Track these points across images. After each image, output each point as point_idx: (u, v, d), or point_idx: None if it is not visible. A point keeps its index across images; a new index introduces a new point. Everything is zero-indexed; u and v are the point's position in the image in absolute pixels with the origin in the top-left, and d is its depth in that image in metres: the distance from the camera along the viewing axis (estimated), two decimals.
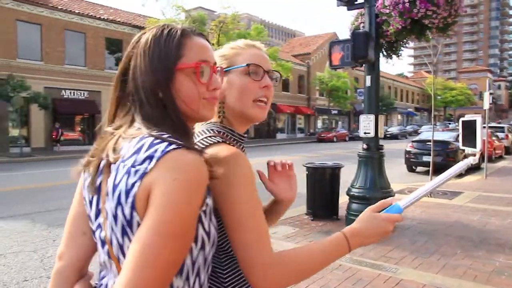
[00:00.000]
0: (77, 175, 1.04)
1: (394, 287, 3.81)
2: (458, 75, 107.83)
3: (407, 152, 14.11)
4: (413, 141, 14.44)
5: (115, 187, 0.85)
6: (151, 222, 0.79)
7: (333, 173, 6.60)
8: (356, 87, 43.16)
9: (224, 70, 1.16)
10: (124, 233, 0.85)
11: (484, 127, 14.97)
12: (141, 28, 25.69)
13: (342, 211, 6.49)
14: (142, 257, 0.77)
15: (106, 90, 21.11)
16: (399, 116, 66.06)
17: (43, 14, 23.31)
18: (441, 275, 4.11)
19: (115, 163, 0.88)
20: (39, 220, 6.79)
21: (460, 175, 12.50)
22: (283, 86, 41.97)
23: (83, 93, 24.86)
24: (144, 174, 0.81)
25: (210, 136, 1.12)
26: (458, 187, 10.03)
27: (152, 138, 0.86)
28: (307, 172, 6.71)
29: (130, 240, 0.83)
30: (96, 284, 1.02)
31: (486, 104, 12.15)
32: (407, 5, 5.30)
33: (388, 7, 5.51)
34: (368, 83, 5.95)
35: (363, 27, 6.05)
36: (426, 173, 12.75)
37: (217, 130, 1.15)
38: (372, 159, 5.96)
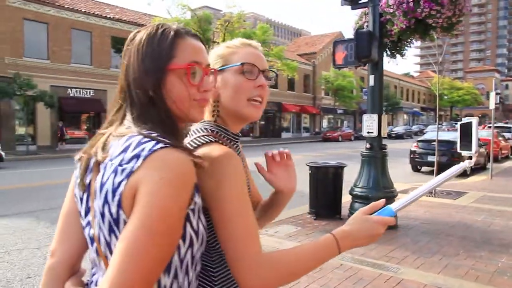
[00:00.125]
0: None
1: (395, 286, 3.80)
2: (465, 74, 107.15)
3: (412, 152, 14.05)
4: (418, 141, 14.37)
5: (102, 185, 0.86)
6: (137, 220, 0.80)
7: (336, 172, 6.59)
8: (362, 87, 42.99)
9: (219, 69, 1.17)
10: (111, 231, 0.86)
11: (490, 127, 14.90)
12: None
13: (345, 211, 6.49)
14: (128, 255, 0.78)
15: (112, 88, 21.20)
16: (405, 116, 65.78)
17: (49, 13, 23.44)
18: (443, 275, 4.10)
19: (103, 161, 0.89)
20: (43, 218, 6.85)
21: (465, 175, 12.45)
22: (289, 85, 41.94)
23: (89, 92, 24.97)
24: (131, 173, 0.82)
25: (202, 135, 1.12)
26: (462, 187, 9.98)
27: (140, 137, 0.87)
28: (310, 171, 6.70)
29: (117, 238, 0.84)
30: (88, 280, 1.03)
31: (492, 104, 12.06)
32: (411, 4, 5.28)
33: (392, 7, 5.49)
34: (371, 82, 5.93)
35: (367, 26, 6.03)
36: (431, 173, 12.70)
37: (210, 129, 1.15)
38: (375, 158, 5.95)
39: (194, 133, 1.16)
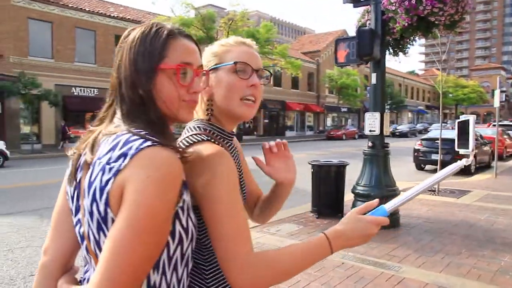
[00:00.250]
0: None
1: (396, 285, 3.80)
2: (470, 72, 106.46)
3: (416, 150, 14.00)
4: (422, 139, 14.32)
5: (90, 184, 0.87)
6: (124, 219, 0.80)
7: (338, 170, 6.58)
8: (366, 85, 42.84)
9: (213, 67, 1.17)
10: (99, 229, 0.87)
11: (494, 125, 14.80)
12: None
13: (347, 209, 6.47)
14: (115, 253, 0.79)
15: None
16: (410, 114, 65.53)
17: (54, 12, 23.54)
18: (445, 274, 4.08)
19: (91, 160, 0.90)
20: (47, 216, 6.89)
21: (469, 174, 12.39)
22: (293, 84, 41.90)
23: (93, 91, 25.06)
24: (118, 171, 0.83)
25: (195, 134, 1.12)
26: (466, 186, 9.94)
27: (128, 135, 0.88)
28: (312, 170, 6.70)
29: (105, 236, 0.85)
30: (82, 278, 1.03)
31: (497, 102, 11.99)
32: (413, 2, 5.25)
33: (394, 4, 5.47)
34: (373, 80, 5.92)
35: (369, 24, 6.01)
36: (435, 171, 12.64)
37: (203, 128, 1.16)
38: (377, 157, 5.93)
39: (188, 131, 1.16)
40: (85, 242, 0.93)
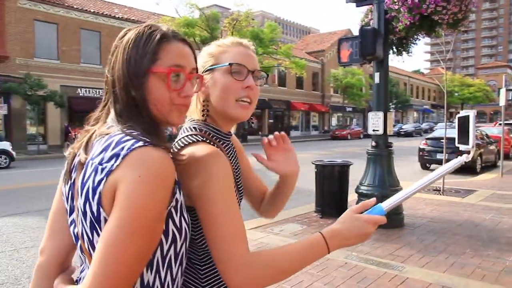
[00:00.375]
0: None
1: (400, 285, 3.78)
2: (476, 71, 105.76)
3: (421, 150, 13.93)
4: (427, 139, 14.25)
5: (83, 184, 0.88)
6: (116, 219, 0.81)
7: (342, 170, 6.57)
8: (371, 84, 42.69)
9: (209, 68, 1.18)
10: (93, 228, 0.88)
11: (501, 124, 14.69)
12: None
13: None
14: (108, 253, 0.80)
15: None
16: (415, 113, 65.23)
17: (59, 13, 23.68)
18: (448, 274, 4.06)
19: (85, 161, 0.91)
20: None
21: (475, 173, 12.32)
22: (297, 84, 41.85)
23: (99, 91, 25.14)
24: (110, 171, 0.83)
25: (190, 134, 1.13)
26: (472, 185, 9.87)
27: (121, 135, 0.89)
28: (315, 170, 6.69)
29: (99, 236, 0.86)
30: (78, 277, 1.04)
31: (503, 101, 11.91)
32: (416, 0, 5.23)
33: (397, 3, 5.45)
34: (376, 80, 5.90)
35: (373, 23, 5.99)
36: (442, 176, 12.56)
37: (199, 128, 1.16)
38: (381, 156, 5.92)
39: (184, 131, 1.17)
40: (79, 242, 0.94)
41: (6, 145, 15.46)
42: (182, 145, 1.10)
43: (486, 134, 14.88)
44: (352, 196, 6.67)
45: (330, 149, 23.33)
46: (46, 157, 19.01)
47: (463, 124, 1.62)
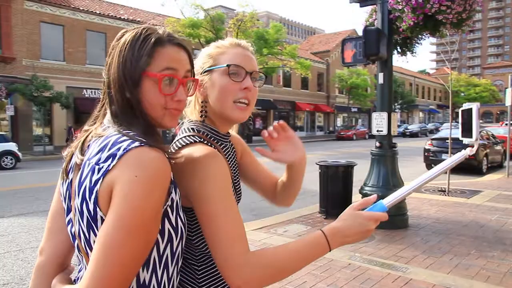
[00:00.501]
0: None
1: (403, 286, 3.77)
2: (482, 71, 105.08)
3: (426, 150, 13.86)
4: (432, 139, 14.17)
5: (80, 183, 0.89)
6: (113, 218, 0.82)
7: (346, 171, 6.55)
8: (376, 85, 42.58)
9: (207, 69, 1.18)
10: (89, 227, 0.88)
11: (507, 124, 14.58)
12: None
13: None
14: (105, 252, 0.81)
15: None
16: (421, 114, 64.89)
17: (65, 15, 23.83)
18: (453, 275, 4.04)
19: (81, 162, 0.92)
20: None
21: (481, 174, 12.23)
22: (302, 84, 41.79)
23: None
24: (107, 171, 0.85)
25: (188, 135, 1.13)
26: (477, 186, 9.81)
27: (117, 136, 0.90)
28: (319, 170, 6.68)
29: (95, 235, 0.87)
30: (76, 277, 1.05)
31: (509, 101, 11.81)
32: (420, 0, 5.21)
33: (400, 3, 5.43)
34: (380, 80, 5.88)
35: (377, 23, 5.98)
36: (446, 171, 12.50)
37: (197, 129, 1.17)
38: (385, 157, 5.90)
39: (182, 132, 1.17)
40: (76, 241, 0.95)
41: (12, 146, 15.58)
42: (180, 146, 1.10)
43: (492, 134, 14.77)
44: (356, 197, 6.65)
45: (335, 150, 23.27)
46: (52, 157, 19.13)
47: (466, 117, 1.59)
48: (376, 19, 6.15)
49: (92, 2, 26.95)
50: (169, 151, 0.97)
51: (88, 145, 0.96)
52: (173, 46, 0.98)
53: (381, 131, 5.86)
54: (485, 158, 13.13)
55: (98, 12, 25.42)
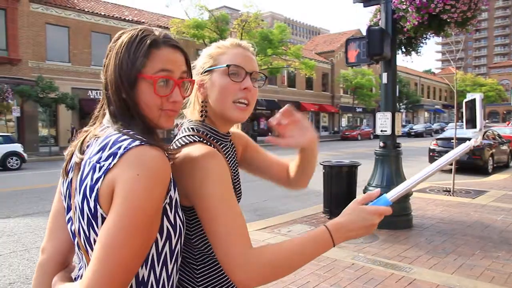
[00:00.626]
0: None
1: (407, 286, 3.75)
2: (488, 70, 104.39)
3: (431, 150, 13.81)
4: (437, 139, 14.13)
5: (81, 182, 0.91)
6: (115, 216, 0.83)
7: (350, 171, 6.54)
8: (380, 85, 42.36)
9: (208, 69, 1.19)
10: (89, 225, 0.90)
11: None
12: (165, 28, 26.02)
13: None
14: (107, 250, 0.82)
15: None
16: (426, 114, 64.60)
17: (70, 17, 23.99)
18: (457, 276, 4.02)
19: (80, 162, 0.94)
20: None
21: (486, 174, 12.16)
22: (307, 84, 41.75)
23: None
24: (108, 170, 0.86)
25: (187, 135, 1.14)
26: (483, 186, 9.75)
27: (118, 135, 0.91)
28: (323, 171, 6.68)
29: (95, 232, 0.88)
30: (77, 275, 1.07)
31: None
32: (424, 0, 5.19)
33: (404, 3, 5.42)
34: (384, 80, 5.87)
35: (381, 23, 5.96)
36: (450, 171, 12.46)
37: (196, 129, 1.17)
38: (389, 157, 5.88)
39: (182, 132, 1.18)
40: (76, 239, 0.97)
41: (17, 147, 15.69)
42: (179, 145, 1.11)
43: (498, 134, 14.69)
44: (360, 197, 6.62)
45: (340, 150, 23.23)
46: (57, 158, 19.23)
47: (470, 108, 1.58)
48: (380, 19, 6.13)
49: (97, 3, 27.10)
50: (169, 150, 0.98)
51: (88, 145, 0.97)
52: (168, 48, 0.99)
53: (385, 131, 5.84)
54: (491, 158, 13.06)
55: (103, 13, 25.56)
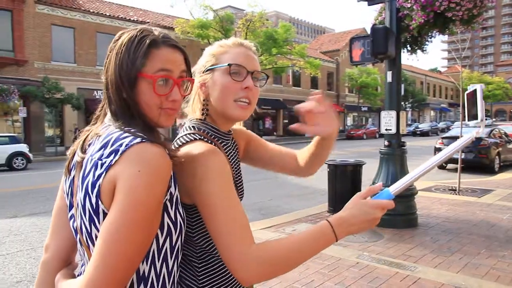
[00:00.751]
0: None
1: (411, 285, 3.75)
2: (495, 68, 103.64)
3: (437, 149, 13.74)
4: (443, 138, 14.06)
5: (84, 179, 0.92)
6: (116, 212, 0.85)
7: (355, 170, 6.53)
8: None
9: (210, 68, 1.19)
10: (91, 221, 0.91)
11: None
12: (169, 28, 26.14)
13: None
14: (109, 245, 0.84)
15: None
16: (432, 112, 64.24)
17: (76, 17, 24.13)
18: (462, 275, 4.00)
19: (82, 161, 0.95)
20: None
21: (493, 173, 12.09)
22: (312, 84, 41.67)
23: None
24: (109, 166, 0.88)
25: (188, 133, 1.15)
26: (489, 185, 9.69)
27: (119, 133, 0.93)
28: (328, 170, 6.67)
29: (97, 228, 0.90)
30: (79, 272, 1.08)
31: None
32: None
33: (409, 1, 5.40)
34: (389, 79, 5.85)
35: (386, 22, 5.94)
36: (456, 170, 12.39)
37: (197, 127, 1.18)
38: (394, 156, 5.86)
39: (184, 130, 1.19)
40: (78, 236, 0.98)
41: (23, 147, 15.81)
42: (180, 143, 1.12)
43: (505, 133, 14.58)
44: None
45: (345, 149, 23.16)
46: (63, 158, 19.21)
47: (471, 99, 1.56)
48: (385, 17, 6.11)
49: (102, 4, 27.23)
50: (170, 148, 0.99)
51: (89, 144, 0.99)
52: (167, 48, 1.00)
53: (390, 129, 5.83)
54: (497, 156, 12.97)
55: (108, 14, 25.67)
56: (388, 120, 5.84)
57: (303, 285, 3.77)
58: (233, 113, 1.16)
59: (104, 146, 0.91)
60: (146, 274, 0.94)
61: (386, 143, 5.96)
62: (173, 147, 1.11)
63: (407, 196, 5.68)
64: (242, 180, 1.32)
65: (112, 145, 0.90)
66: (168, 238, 0.96)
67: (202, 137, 1.13)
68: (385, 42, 5.43)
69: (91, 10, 24.91)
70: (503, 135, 14.19)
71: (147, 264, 0.94)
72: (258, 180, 10.14)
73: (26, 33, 21.68)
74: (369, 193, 1.07)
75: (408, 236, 5.33)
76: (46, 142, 22.54)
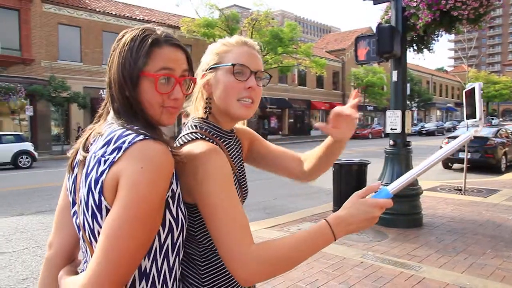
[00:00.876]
0: None
1: (416, 285, 3.73)
2: (503, 68, 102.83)
3: None
4: (449, 137, 13.96)
5: (87, 175, 0.93)
6: (119, 208, 0.86)
7: (360, 169, 6.50)
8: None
9: (213, 66, 1.19)
10: (94, 217, 0.92)
11: None
12: (175, 27, 26.19)
13: None
14: (111, 241, 0.84)
15: None
16: (438, 112, 63.87)
17: (82, 16, 24.27)
18: (467, 275, 3.98)
19: (84, 159, 0.97)
20: None
21: (499, 173, 12.01)
22: (317, 83, 41.61)
23: None
24: (112, 163, 0.89)
25: (190, 132, 1.15)
26: (495, 185, 9.62)
27: (122, 130, 0.94)
28: (333, 169, 6.65)
29: (99, 225, 0.91)
30: (82, 269, 1.09)
31: None
32: None
33: (415, 0, 5.37)
34: (394, 78, 5.82)
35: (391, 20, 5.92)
36: (462, 170, 12.32)
37: (199, 126, 1.18)
38: (399, 155, 5.84)
39: (186, 130, 1.19)
40: (81, 232, 0.99)
41: (28, 146, 15.92)
42: (182, 142, 1.13)
43: None
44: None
45: (350, 148, 23.10)
46: (69, 157, 19.44)
47: (470, 97, 1.56)
48: (391, 16, 6.08)
49: (108, 3, 27.34)
50: (172, 147, 1.00)
51: (92, 142, 1.00)
52: (169, 47, 1.01)
53: (395, 129, 5.81)
54: (504, 156, 12.88)
55: (114, 13, 25.78)
56: (393, 120, 5.82)
57: (307, 284, 3.77)
58: (236, 112, 1.17)
59: (107, 143, 0.92)
60: (148, 270, 0.95)
61: (391, 142, 5.94)
62: (175, 146, 1.12)
63: (412, 196, 5.66)
64: (246, 179, 1.32)
65: (115, 142, 0.91)
66: (170, 234, 0.97)
67: (204, 136, 1.14)
68: (390, 41, 5.41)
69: (97, 9, 25.03)
70: (510, 135, 14.09)
71: (148, 260, 0.95)
72: (262, 179, 10.13)
73: (33, 32, 21.84)
74: (367, 192, 1.07)
75: (413, 235, 5.31)
76: (52, 141, 22.70)
